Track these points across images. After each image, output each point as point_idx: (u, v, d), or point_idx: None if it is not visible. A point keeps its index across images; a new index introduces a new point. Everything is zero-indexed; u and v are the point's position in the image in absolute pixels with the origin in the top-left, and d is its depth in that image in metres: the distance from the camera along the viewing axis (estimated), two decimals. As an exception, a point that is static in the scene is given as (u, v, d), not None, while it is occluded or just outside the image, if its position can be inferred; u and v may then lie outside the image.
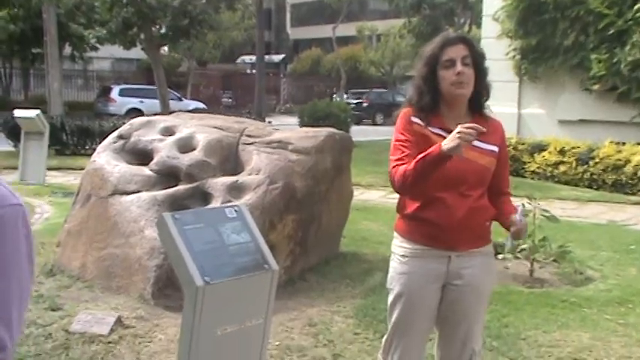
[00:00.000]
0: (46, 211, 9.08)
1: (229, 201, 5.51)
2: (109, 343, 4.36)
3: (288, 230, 5.87)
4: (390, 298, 3.10)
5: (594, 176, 12.51)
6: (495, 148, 2.95)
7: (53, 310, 4.87)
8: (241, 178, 5.77)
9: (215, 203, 5.49)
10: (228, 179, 5.74)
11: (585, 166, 12.66)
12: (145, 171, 5.90)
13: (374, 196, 11.40)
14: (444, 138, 2.84)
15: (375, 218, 9.08)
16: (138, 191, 5.65)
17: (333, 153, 6.53)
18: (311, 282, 5.91)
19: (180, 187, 5.72)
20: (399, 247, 3.07)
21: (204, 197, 5.64)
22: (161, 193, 5.59)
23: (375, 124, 35.58)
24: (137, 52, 28.97)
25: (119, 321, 4.60)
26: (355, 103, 34.12)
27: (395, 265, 3.07)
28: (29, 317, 4.71)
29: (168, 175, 5.87)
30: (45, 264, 5.91)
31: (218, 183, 5.67)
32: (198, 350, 2.84)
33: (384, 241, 7.54)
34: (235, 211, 3.11)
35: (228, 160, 6.12)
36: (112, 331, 4.49)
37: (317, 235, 6.30)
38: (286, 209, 5.82)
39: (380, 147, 19.52)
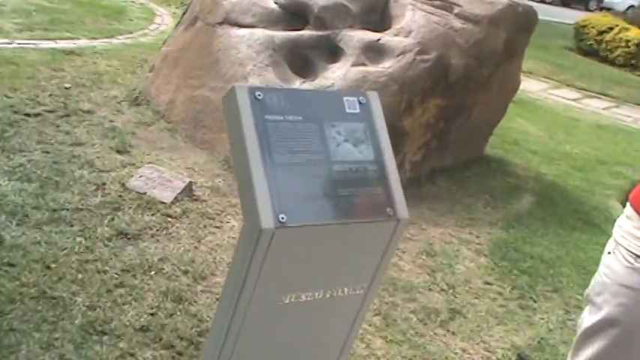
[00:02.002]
0: (165, 23, 8.13)
1: (363, 64, 4.19)
2: (168, 216, 3.37)
3: (427, 117, 4.53)
4: (592, 317, 1.79)
5: None
6: None
7: (119, 152, 3.91)
8: (385, 37, 4.38)
9: (344, 64, 4.19)
10: (368, 35, 4.37)
11: None
12: (269, 2, 4.62)
13: (533, 88, 9.61)
14: None
15: (533, 117, 7.47)
16: (253, 26, 4.42)
17: (509, 29, 4.94)
18: (441, 188, 4.62)
19: (306, 33, 4.43)
20: (634, 237, 1.70)
21: (333, 52, 4.34)
22: (281, 35, 4.33)
23: (543, 1, 31.82)
24: None
25: (189, 188, 3.58)
26: (528, -26, 30.32)
27: (615, 268, 1.72)
28: (87, 155, 3.79)
29: (295, 15, 4.56)
30: (134, 89, 4.95)
31: (354, 38, 4.32)
32: (245, 322, 1.71)
33: (540, 152, 6.05)
34: (360, 102, 1.82)
35: (374, 10, 4.70)
36: (176, 200, 3.48)
37: (461, 130, 4.92)
38: (432, 90, 4.44)
39: (548, 29, 17.01)
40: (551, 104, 8.84)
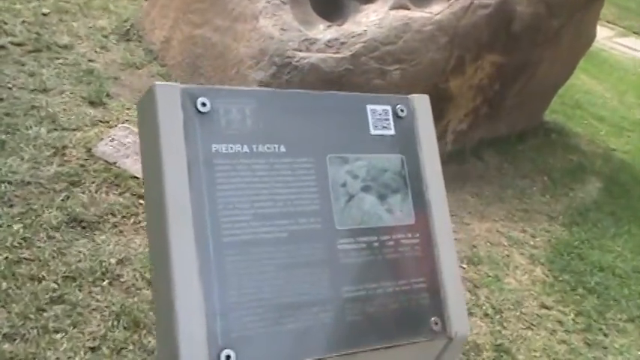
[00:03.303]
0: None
1: (405, 7, 3.31)
2: (140, 197, 2.62)
3: (480, 77, 3.66)
4: None
5: None
6: None
7: (92, 103, 3.14)
8: (436, -27, 3.46)
9: (381, 5, 3.30)
10: (415, -31, 3.45)
11: None
12: None
13: (597, 35, 8.48)
14: None
15: (598, 74, 6.47)
16: (272, -51, 3.51)
17: (591, -31, 3.97)
18: (489, 166, 3.79)
19: (337, -39, 3.52)
20: None
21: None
22: (305, -37, 3.43)
23: None
24: None
25: (173, 160, 2.80)
26: None
27: None
28: (51, 105, 3.03)
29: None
30: (126, 20, 4.11)
31: (396, -29, 3.40)
32: None
33: (607, 119, 5.13)
34: (397, 115, 1.00)
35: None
36: (154, 175, 2.71)
37: (520, 94, 4.03)
38: (490, 44, 3.55)
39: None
40: (618, 57, 7.75)
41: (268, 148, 0.88)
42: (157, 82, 0.84)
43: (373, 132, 0.97)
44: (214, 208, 0.82)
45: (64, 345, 1.95)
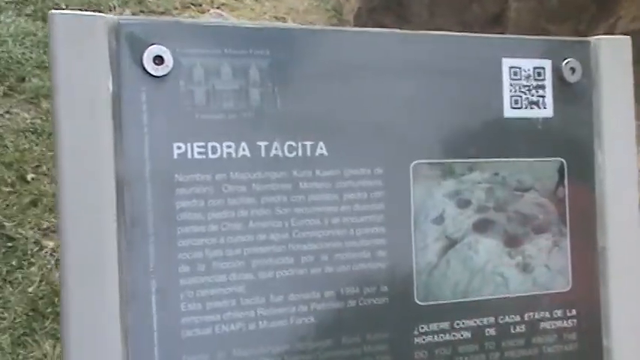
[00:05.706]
0: None
1: None
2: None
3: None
4: None
5: None
6: None
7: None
8: None
9: None
10: None
11: None
12: None
13: None
14: None
15: None
16: None
17: None
18: None
19: None
20: None
21: None
22: None
23: None
24: None
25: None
26: None
27: None
28: None
29: None
30: None
31: None
32: None
33: None
34: (564, 78, 0.50)
35: None
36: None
37: None
38: None
39: None
40: None
41: (292, 148, 0.44)
42: (54, 11, 0.41)
43: (509, 113, 0.50)
44: (170, 272, 0.42)
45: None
